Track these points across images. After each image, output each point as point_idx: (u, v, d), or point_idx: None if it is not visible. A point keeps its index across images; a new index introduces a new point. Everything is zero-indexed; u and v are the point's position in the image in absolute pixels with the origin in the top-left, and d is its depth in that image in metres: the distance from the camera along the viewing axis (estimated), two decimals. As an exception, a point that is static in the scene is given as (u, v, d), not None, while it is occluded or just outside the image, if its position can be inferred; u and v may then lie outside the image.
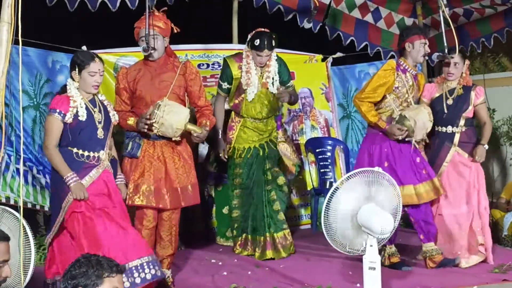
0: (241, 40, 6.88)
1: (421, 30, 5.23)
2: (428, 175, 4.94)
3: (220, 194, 6.18)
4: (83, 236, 3.87)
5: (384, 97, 4.92)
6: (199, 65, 6.61)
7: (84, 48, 6.01)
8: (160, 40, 4.36)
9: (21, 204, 3.37)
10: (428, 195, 4.90)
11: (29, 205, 5.31)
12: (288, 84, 5.52)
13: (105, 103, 4.20)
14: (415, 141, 4.92)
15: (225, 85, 5.35)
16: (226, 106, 5.57)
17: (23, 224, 3.47)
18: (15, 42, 3.48)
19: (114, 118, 4.22)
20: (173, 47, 4.63)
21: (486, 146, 5.14)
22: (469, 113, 5.18)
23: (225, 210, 6.08)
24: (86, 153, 4.01)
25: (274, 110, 5.51)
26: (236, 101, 5.40)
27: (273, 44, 5.22)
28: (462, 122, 5.14)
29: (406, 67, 4.97)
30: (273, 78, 5.32)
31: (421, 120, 4.82)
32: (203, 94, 4.57)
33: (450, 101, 5.16)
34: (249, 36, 5.30)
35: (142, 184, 4.28)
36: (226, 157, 5.44)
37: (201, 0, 6.56)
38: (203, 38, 6.87)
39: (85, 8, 5.84)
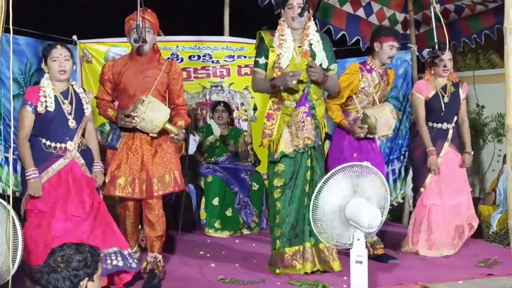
0: (233, 33, 6.88)
1: (393, 32, 5.23)
2: None
3: (209, 185, 6.20)
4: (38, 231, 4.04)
5: (351, 98, 5.11)
6: (190, 57, 6.61)
7: (74, 37, 6.01)
8: (152, 34, 4.42)
9: (10, 193, 3.38)
10: None
11: (17, 194, 5.30)
12: (330, 67, 4.65)
13: (81, 95, 4.31)
14: (378, 137, 5.17)
15: (262, 60, 4.57)
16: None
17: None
18: (6, 30, 3.47)
19: (88, 111, 4.32)
20: (164, 38, 4.66)
21: (472, 153, 5.41)
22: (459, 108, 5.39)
23: (215, 202, 6.11)
24: (53, 144, 4.14)
25: (319, 93, 4.66)
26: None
27: None
28: (455, 118, 5.35)
29: (372, 67, 5.13)
30: (316, 48, 4.54)
31: (383, 117, 4.97)
32: (182, 93, 4.67)
33: (446, 99, 5.28)
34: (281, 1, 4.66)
35: (118, 175, 4.40)
36: (294, 81, 4.34)
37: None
38: (195, 30, 6.87)
39: (77, -3, 5.83)
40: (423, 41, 7.21)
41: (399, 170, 7.02)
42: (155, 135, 4.39)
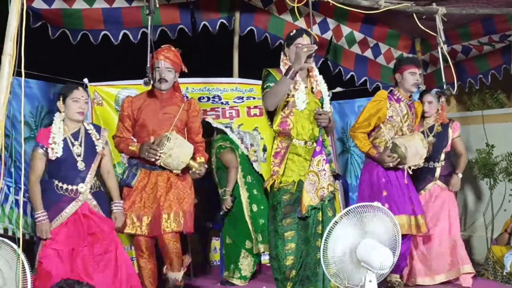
0: (242, 74, 6.93)
1: (411, 60, 5.27)
2: (414, 211, 5.03)
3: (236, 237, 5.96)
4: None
5: (378, 127, 5.07)
6: (199, 98, 6.65)
7: (85, 80, 6.06)
8: (172, 74, 4.56)
9: (20, 235, 3.37)
10: (410, 229, 5.00)
11: (27, 237, 5.28)
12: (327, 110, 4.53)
13: (91, 133, 4.35)
14: (409, 167, 5.01)
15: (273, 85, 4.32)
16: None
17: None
18: (18, 74, 3.52)
19: (99, 147, 4.35)
20: (174, 80, 4.72)
21: (460, 175, 5.53)
22: (448, 147, 5.56)
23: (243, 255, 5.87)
24: (64, 186, 4.19)
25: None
26: (283, 119, 4.38)
27: (310, 34, 4.43)
28: (442, 157, 5.53)
29: (400, 97, 5.12)
30: (323, 90, 4.50)
31: (413, 147, 4.93)
32: (200, 131, 4.80)
33: (430, 138, 5.46)
34: (285, 40, 4.59)
35: (131, 214, 4.47)
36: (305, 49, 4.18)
37: (203, 34, 6.61)
38: (204, 71, 6.92)
39: (88, 41, 5.89)
40: (430, 81, 7.24)
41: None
42: (179, 171, 4.44)
